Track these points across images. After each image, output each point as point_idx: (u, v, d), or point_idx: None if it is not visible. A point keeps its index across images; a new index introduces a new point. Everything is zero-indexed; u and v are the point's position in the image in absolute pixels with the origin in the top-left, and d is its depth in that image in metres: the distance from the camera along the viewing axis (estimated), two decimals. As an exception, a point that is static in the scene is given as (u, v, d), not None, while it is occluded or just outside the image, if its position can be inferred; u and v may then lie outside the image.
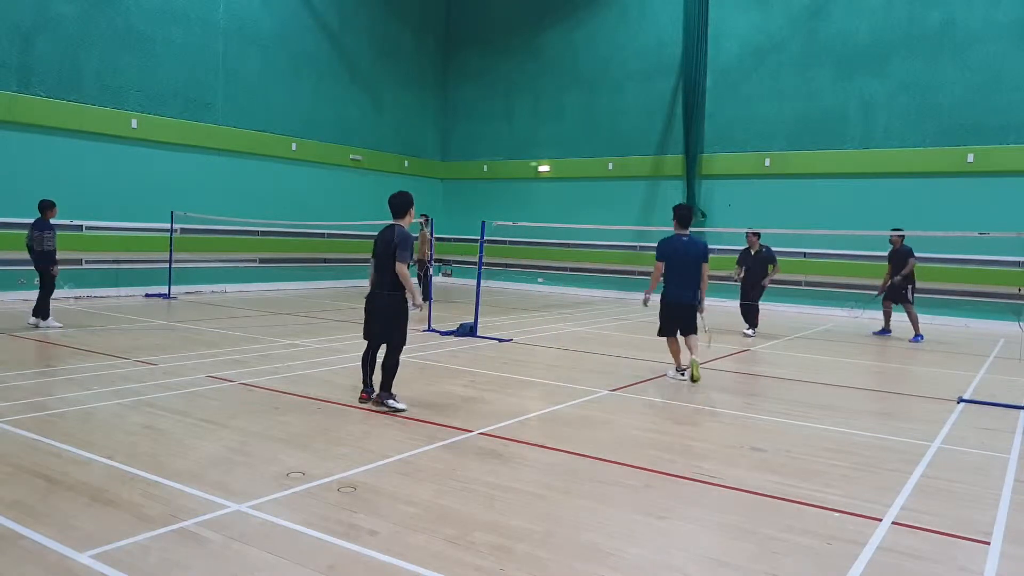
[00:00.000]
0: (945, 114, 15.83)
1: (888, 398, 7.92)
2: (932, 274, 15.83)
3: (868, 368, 10.10)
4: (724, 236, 17.97)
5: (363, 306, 6.58)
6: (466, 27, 22.85)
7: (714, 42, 18.47)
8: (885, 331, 13.41)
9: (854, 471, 5.22)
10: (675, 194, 18.91)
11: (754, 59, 18.02)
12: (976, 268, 15.45)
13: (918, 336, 12.70)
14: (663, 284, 8.29)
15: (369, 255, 6.77)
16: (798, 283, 17.19)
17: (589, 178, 20.39)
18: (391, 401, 6.36)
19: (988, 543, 4.00)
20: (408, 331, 6.58)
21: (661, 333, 8.44)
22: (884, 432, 6.36)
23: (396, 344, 6.44)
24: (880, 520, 4.26)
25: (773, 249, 13.25)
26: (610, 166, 20.07)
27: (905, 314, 12.91)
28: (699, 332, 8.43)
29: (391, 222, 6.54)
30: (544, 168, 21.36)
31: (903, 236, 12.76)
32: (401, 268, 6.31)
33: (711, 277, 8.60)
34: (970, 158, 15.51)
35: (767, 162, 17.81)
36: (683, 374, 8.28)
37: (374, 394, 6.54)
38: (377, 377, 6.57)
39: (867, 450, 5.78)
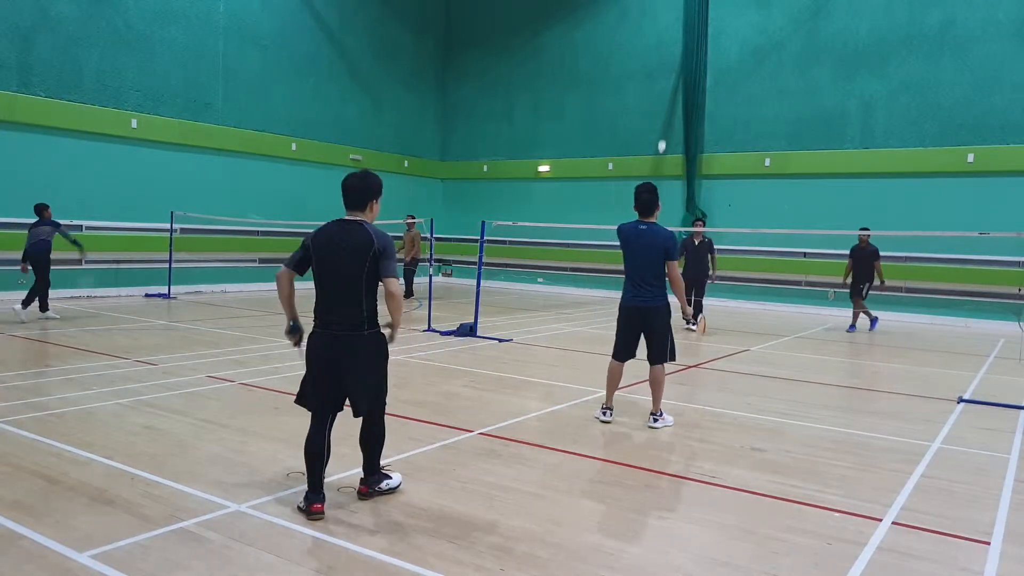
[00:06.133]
0: (945, 114, 15.82)
1: (888, 398, 7.91)
2: (932, 274, 15.85)
3: (868, 368, 10.10)
4: (724, 236, 17.98)
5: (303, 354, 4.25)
6: (466, 27, 22.85)
7: (714, 42, 18.47)
8: (866, 324, 13.96)
9: (854, 471, 5.22)
10: (675, 194, 18.90)
11: (754, 59, 18.01)
12: (976, 268, 15.44)
13: (875, 320, 13.90)
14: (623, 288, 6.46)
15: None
16: (798, 283, 17.19)
17: (589, 178, 20.40)
18: (384, 483, 4.41)
19: (988, 543, 4.00)
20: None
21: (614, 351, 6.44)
22: (884, 432, 6.36)
23: (383, 404, 4.37)
24: (880, 520, 4.26)
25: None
26: (610, 166, 20.07)
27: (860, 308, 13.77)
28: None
29: (349, 218, 4.24)
30: (544, 168, 21.36)
31: (870, 235, 13.35)
32: (396, 288, 4.10)
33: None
34: (970, 158, 15.50)
35: (767, 162, 17.81)
36: (606, 413, 6.40)
37: (358, 486, 4.41)
38: (327, 461, 4.22)
39: (867, 450, 5.78)
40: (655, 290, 6.25)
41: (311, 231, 4.28)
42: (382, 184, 4.36)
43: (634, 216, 6.42)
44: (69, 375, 7.45)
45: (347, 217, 4.24)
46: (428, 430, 5.85)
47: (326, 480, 4.28)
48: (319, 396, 4.18)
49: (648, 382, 6.39)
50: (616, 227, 6.49)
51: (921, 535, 4.09)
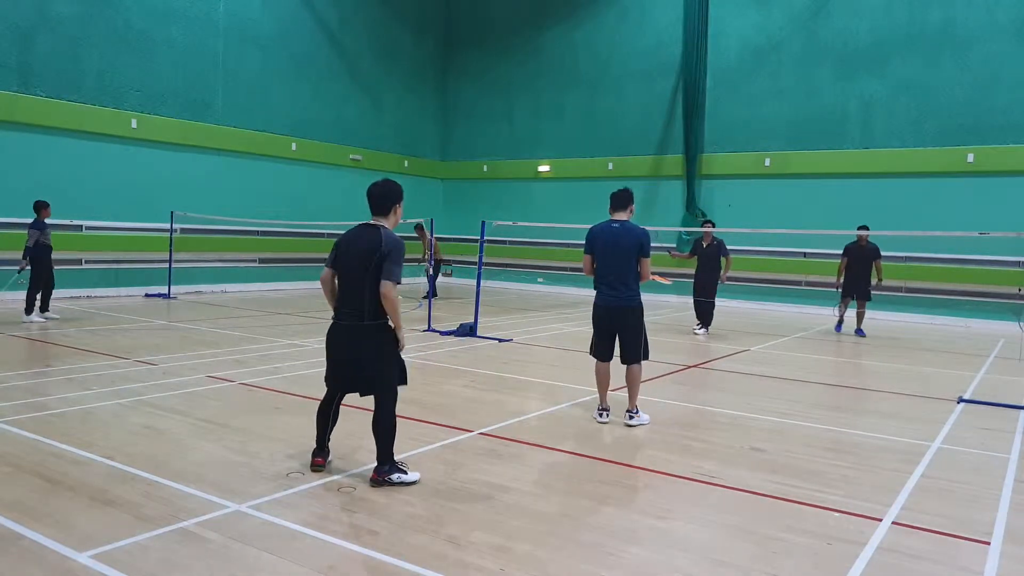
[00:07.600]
0: (945, 114, 15.82)
1: (888, 398, 7.91)
2: (932, 274, 15.86)
3: (868, 368, 10.10)
4: (724, 236, 17.96)
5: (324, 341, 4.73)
6: (466, 27, 22.85)
7: (714, 42, 18.47)
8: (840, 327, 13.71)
9: (854, 471, 5.21)
10: (675, 194, 18.92)
11: (754, 59, 18.01)
12: (976, 268, 15.44)
13: (861, 330, 13.29)
14: (596, 287, 6.60)
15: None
16: (798, 283, 17.20)
17: (589, 178, 20.38)
18: (397, 475, 4.52)
19: (988, 543, 4.00)
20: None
21: (592, 351, 6.59)
22: (884, 432, 6.35)
23: (390, 394, 4.61)
24: (880, 520, 4.26)
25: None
26: (610, 166, 20.07)
27: (858, 308, 13.20)
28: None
29: (372, 222, 4.65)
30: (544, 168, 21.36)
31: (869, 234, 12.94)
32: (390, 291, 4.41)
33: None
34: (970, 158, 15.51)
35: (767, 162, 17.81)
36: (603, 415, 6.42)
37: (368, 468, 4.70)
38: (324, 440, 4.84)
39: (867, 450, 5.78)
40: (630, 290, 6.31)
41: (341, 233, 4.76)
42: (403, 190, 4.77)
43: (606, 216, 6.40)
44: (69, 375, 7.45)
45: (371, 221, 4.66)
46: (428, 430, 5.85)
47: (327, 480, 4.55)
48: (331, 378, 4.75)
49: (625, 380, 6.43)
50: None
51: (921, 535, 4.09)
